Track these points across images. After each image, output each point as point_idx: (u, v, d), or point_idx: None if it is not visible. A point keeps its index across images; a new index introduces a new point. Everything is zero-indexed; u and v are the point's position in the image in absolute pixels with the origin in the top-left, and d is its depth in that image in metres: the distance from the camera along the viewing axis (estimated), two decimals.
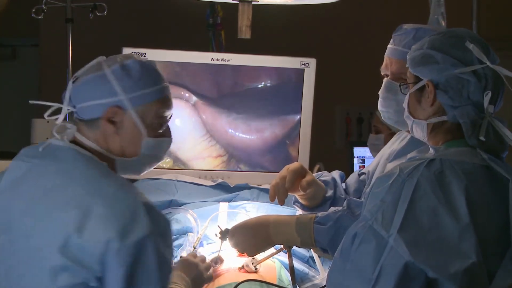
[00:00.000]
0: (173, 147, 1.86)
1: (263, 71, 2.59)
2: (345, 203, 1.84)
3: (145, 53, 2.46)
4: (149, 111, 1.61)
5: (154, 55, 2.48)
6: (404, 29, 2.02)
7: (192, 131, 2.57)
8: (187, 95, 2.55)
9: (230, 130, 2.59)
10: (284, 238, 1.84)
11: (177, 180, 2.41)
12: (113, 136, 1.61)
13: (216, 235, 1.97)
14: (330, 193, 2.14)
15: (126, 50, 2.44)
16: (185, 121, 2.56)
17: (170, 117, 1.68)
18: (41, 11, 3.47)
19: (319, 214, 1.82)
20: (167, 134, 1.68)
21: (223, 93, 2.58)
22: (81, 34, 4.15)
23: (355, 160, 4.44)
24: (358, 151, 4.47)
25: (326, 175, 2.22)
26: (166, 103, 1.65)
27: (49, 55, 5.68)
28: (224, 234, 1.93)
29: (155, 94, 1.62)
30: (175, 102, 1.70)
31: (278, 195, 2.05)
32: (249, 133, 2.60)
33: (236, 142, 2.60)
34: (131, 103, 1.59)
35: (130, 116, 1.60)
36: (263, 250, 1.89)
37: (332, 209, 1.85)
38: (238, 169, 2.61)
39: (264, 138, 2.61)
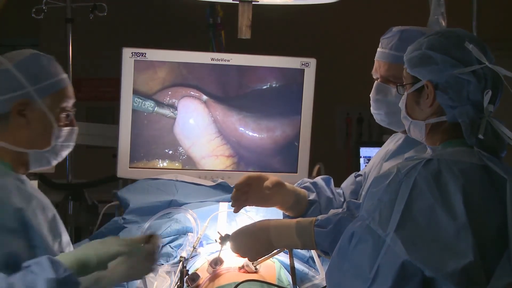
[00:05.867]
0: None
1: (263, 71, 2.58)
2: (344, 205, 1.84)
3: (145, 53, 2.46)
4: (55, 101, 1.69)
5: (154, 55, 2.48)
6: (392, 31, 2.03)
7: (200, 130, 2.57)
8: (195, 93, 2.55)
9: (228, 130, 2.59)
10: (285, 242, 1.84)
11: (177, 180, 2.41)
12: (24, 129, 1.66)
13: (216, 240, 1.97)
14: (312, 196, 2.14)
15: (126, 50, 2.44)
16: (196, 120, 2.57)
17: (73, 107, 1.75)
18: (41, 11, 3.47)
19: (319, 217, 1.82)
20: (73, 123, 1.75)
21: (222, 93, 2.57)
22: (81, 34, 4.15)
23: (362, 160, 4.44)
24: (365, 151, 4.46)
25: (305, 182, 2.22)
26: (69, 92, 1.73)
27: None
28: (224, 239, 1.94)
29: (58, 84, 1.70)
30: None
31: (235, 201, 2.06)
32: (248, 133, 2.60)
33: (236, 142, 2.60)
34: (38, 94, 1.66)
35: (39, 107, 1.66)
36: (264, 254, 1.89)
37: (332, 211, 1.85)
38: (239, 170, 2.60)
39: (263, 139, 2.61)
